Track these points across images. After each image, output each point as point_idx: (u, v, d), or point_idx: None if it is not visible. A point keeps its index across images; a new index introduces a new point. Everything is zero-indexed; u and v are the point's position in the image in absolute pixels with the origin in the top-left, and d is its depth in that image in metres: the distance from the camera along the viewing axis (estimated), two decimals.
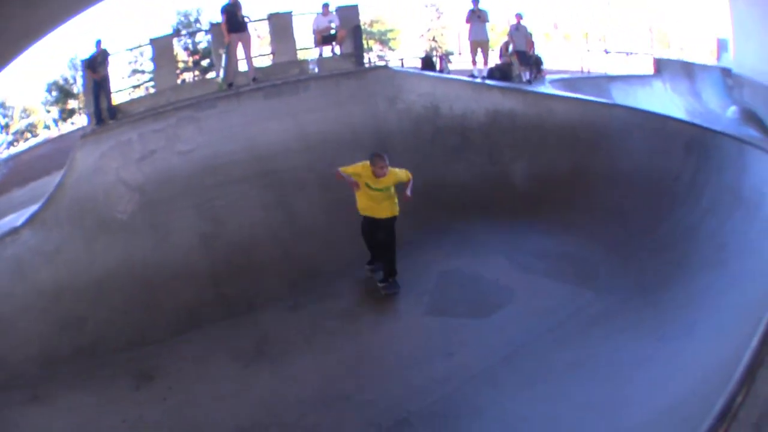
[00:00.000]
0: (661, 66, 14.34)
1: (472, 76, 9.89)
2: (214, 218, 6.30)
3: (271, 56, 9.42)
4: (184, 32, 23.32)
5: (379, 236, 5.53)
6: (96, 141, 6.66)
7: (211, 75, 11.47)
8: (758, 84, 12.18)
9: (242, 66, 8.61)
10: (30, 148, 16.95)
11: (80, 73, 10.64)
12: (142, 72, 21.16)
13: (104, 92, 7.82)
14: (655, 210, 6.35)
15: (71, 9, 7.16)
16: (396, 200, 5.53)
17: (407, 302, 5.29)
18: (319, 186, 6.90)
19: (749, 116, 12.83)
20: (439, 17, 30.10)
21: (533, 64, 10.94)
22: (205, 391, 4.33)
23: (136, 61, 21.36)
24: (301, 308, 5.32)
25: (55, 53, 25.67)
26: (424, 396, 3.92)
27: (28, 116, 22.29)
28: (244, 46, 8.36)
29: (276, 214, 6.50)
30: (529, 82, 10.37)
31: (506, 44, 11.22)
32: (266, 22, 9.45)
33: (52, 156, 11.53)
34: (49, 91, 22.49)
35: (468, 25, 10.54)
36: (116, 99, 8.21)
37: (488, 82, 9.21)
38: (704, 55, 19.26)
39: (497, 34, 15.29)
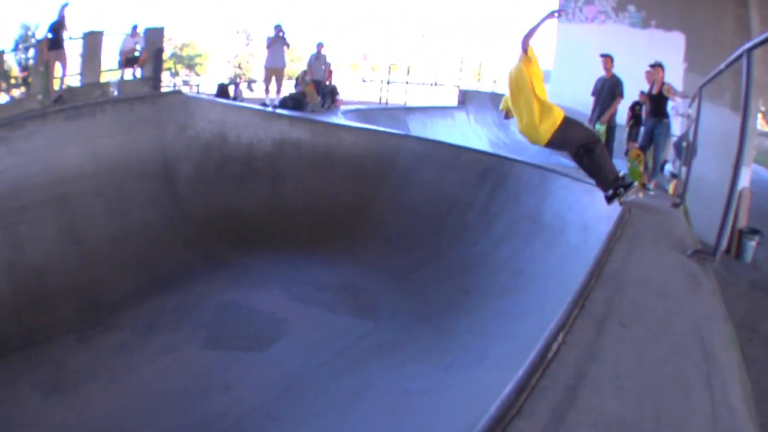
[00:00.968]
0: (466, 98, 15.21)
1: (264, 105, 9.39)
2: (17, 244, 6.00)
3: (80, 76, 9.17)
4: (21, 47, 21.04)
5: None
6: None
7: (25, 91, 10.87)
8: (575, 112, 13.42)
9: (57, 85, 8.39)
10: None
11: None
12: None
13: None
14: (442, 239, 6.46)
15: None
16: None
17: (185, 334, 5.16)
18: (106, 213, 6.68)
19: None
20: (248, 44, 29.95)
21: (328, 93, 10.88)
22: (11, 420, 4.09)
23: None
24: (88, 340, 5.18)
25: None
26: (204, 431, 3.83)
27: None
28: (61, 64, 8.25)
29: (67, 240, 6.32)
30: (323, 107, 10.31)
31: (304, 73, 10.97)
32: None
33: None
34: None
35: (268, 51, 9.97)
36: None
37: (279, 111, 8.86)
38: None
39: (302, 64, 14.94)
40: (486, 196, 6.54)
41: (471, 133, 14.00)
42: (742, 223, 7.43)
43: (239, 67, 29.18)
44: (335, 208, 7.30)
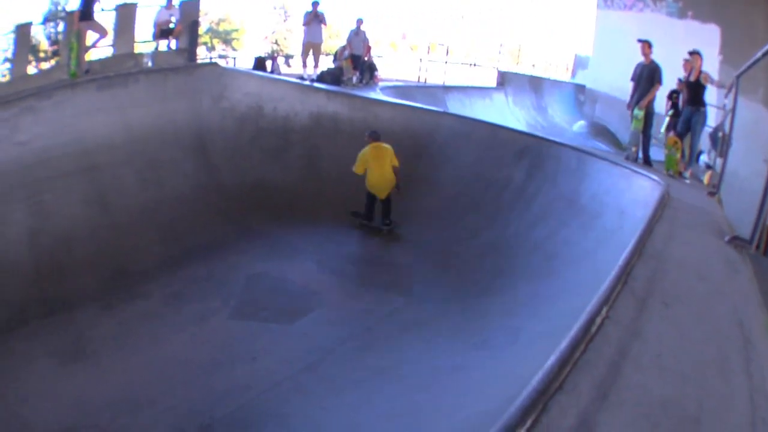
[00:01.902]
0: (505, 79, 14.89)
1: (302, 78, 9.37)
2: (41, 212, 5.94)
3: (112, 48, 8.91)
4: (51, 21, 21.24)
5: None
6: None
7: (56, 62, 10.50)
8: (612, 98, 13.27)
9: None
10: None
11: None
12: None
13: None
14: (478, 218, 6.37)
15: None
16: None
17: (214, 305, 5.07)
18: (137, 183, 6.57)
19: (599, 130, 13.94)
20: (285, 20, 29.68)
21: (366, 69, 10.79)
22: (32, 389, 3.99)
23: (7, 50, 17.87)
24: (113, 308, 5.07)
25: None
26: (228, 402, 3.74)
27: None
28: (92, 35, 7.93)
29: (95, 209, 6.23)
30: (361, 83, 10.23)
31: (343, 48, 10.91)
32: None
33: None
34: None
35: (305, 28, 9.98)
36: None
37: (316, 84, 8.79)
38: (558, 72, 20.97)
39: (341, 41, 14.86)
40: (523, 176, 6.45)
41: (509, 115, 13.74)
42: None
43: (276, 43, 28.79)
44: None
